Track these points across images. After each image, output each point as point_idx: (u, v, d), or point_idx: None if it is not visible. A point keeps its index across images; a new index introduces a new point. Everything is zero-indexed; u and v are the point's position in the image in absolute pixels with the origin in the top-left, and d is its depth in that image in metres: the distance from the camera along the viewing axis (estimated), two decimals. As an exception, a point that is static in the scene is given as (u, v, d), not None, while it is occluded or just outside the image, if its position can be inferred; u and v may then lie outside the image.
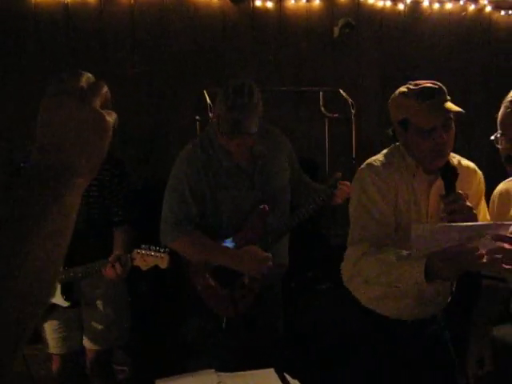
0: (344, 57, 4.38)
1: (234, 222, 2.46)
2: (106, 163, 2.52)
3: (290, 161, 2.65)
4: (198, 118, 3.79)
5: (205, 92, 3.74)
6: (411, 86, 2.02)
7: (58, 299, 2.52)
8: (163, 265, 2.35)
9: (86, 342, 2.66)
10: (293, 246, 2.74)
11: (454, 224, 1.77)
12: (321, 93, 4.14)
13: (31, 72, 3.75)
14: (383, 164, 2.10)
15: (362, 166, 2.14)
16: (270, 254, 2.41)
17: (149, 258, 2.35)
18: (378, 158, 2.14)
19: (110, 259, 2.41)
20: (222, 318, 2.49)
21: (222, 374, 1.87)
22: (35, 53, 3.84)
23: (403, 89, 2.05)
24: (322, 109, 4.19)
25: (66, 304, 2.52)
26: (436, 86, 1.98)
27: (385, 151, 2.18)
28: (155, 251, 2.36)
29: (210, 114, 3.63)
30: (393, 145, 2.17)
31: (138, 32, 4.00)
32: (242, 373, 1.90)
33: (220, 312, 2.50)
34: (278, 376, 1.77)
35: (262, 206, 2.45)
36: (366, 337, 2.26)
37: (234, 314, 2.49)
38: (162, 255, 2.35)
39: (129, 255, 2.39)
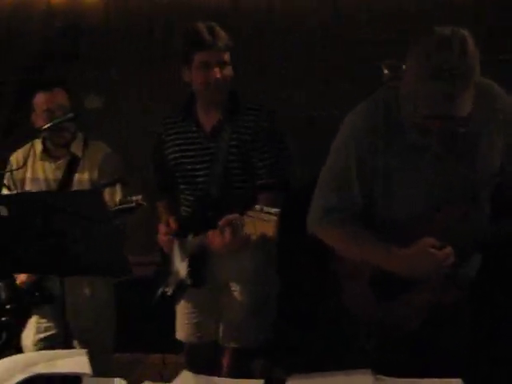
0: None
1: (408, 220, 1.80)
2: (246, 112, 2.12)
3: (507, 129, 1.82)
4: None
5: (382, 66, 3.26)
6: None
7: (185, 275, 2.13)
8: (269, 232, 1.72)
9: (221, 336, 2.19)
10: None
11: None
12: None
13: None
14: None
15: None
16: (450, 248, 1.69)
17: (259, 223, 1.74)
18: None
19: (220, 223, 1.93)
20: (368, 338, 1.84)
21: (382, 377, 1.40)
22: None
23: None
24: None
25: (188, 281, 2.11)
26: None
27: None
28: (266, 213, 1.74)
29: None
30: None
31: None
32: (414, 380, 1.37)
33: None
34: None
35: (453, 206, 1.77)
36: None
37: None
38: (270, 218, 1.72)
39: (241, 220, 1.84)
